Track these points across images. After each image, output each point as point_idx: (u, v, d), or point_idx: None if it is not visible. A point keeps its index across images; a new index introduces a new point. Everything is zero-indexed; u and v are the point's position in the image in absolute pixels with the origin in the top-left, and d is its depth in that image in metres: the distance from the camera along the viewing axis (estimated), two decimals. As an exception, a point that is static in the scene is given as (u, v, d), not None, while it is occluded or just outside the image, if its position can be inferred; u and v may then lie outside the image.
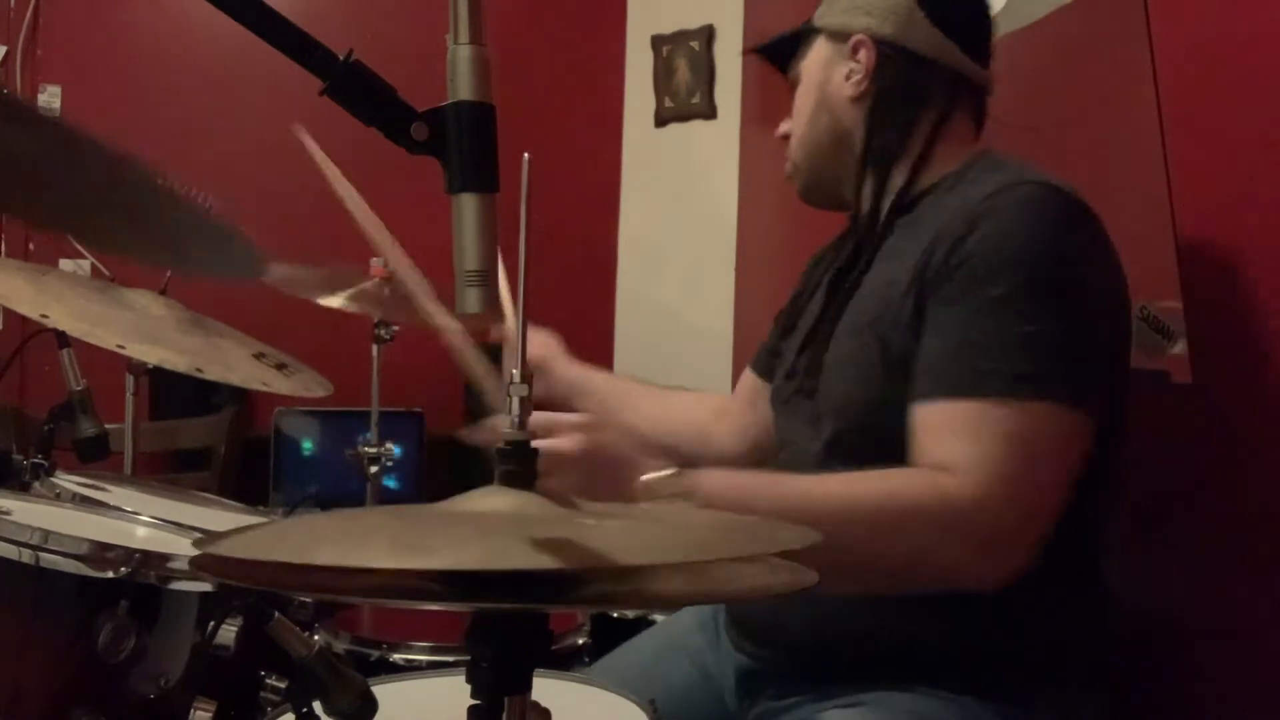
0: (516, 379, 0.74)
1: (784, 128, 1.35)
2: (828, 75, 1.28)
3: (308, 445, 3.23)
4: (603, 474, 1.04)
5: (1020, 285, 1.08)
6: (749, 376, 1.57)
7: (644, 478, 1.05)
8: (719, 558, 0.75)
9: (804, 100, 1.31)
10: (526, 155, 0.74)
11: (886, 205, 1.24)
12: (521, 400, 0.74)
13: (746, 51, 1.43)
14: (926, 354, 1.11)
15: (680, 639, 1.38)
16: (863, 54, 1.25)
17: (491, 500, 0.72)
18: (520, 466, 0.73)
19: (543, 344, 1.55)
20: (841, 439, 1.18)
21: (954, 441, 1.07)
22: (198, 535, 1.28)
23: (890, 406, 1.12)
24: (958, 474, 1.05)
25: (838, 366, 1.20)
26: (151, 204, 0.78)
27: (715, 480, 1.08)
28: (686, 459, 1.41)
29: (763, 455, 1.48)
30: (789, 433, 1.31)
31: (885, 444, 1.11)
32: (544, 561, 0.61)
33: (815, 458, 1.20)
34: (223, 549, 0.67)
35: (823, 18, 1.29)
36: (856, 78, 1.25)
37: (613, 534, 0.68)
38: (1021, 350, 1.07)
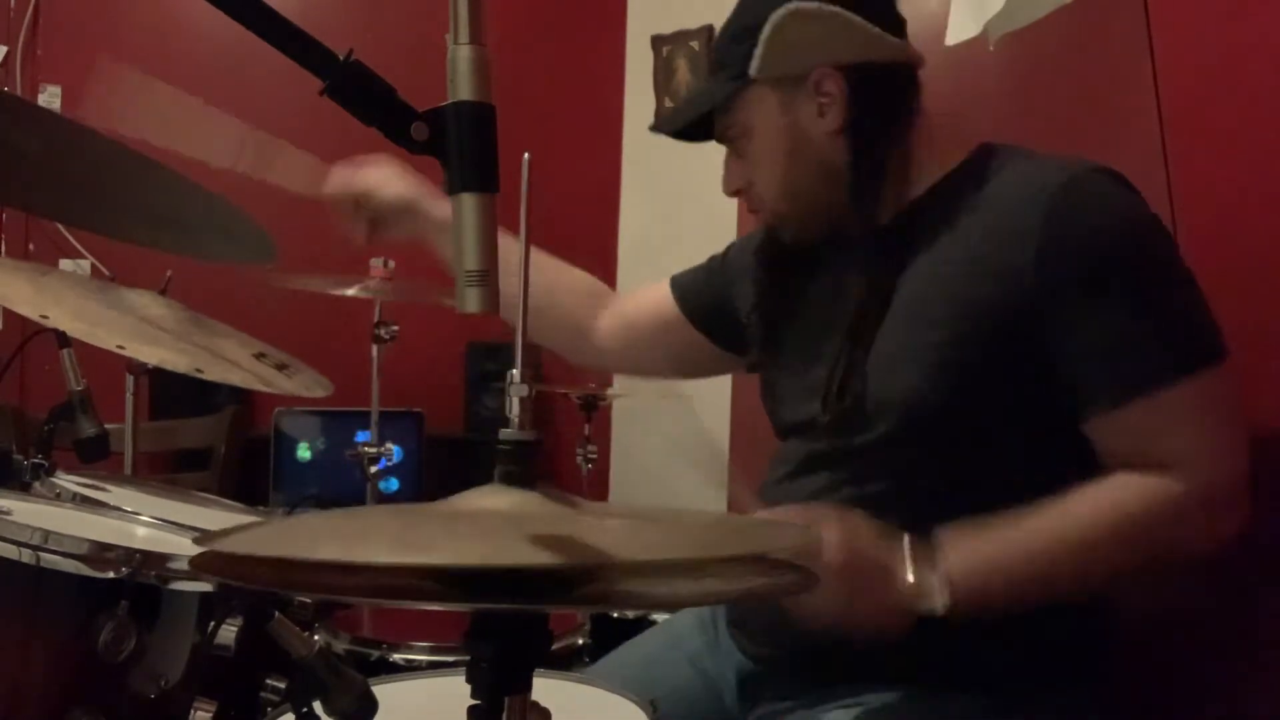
0: (516, 379, 0.74)
1: (734, 184, 1.31)
2: (792, 119, 1.23)
3: (307, 446, 3.23)
4: (867, 589, 1.08)
5: (1142, 266, 1.12)
6: (665, 296, 1.56)
7: (905, 582, 1.08)
8: (718, 556, 0.75)
9: (767, 150, 1.26)
10: (526, 155, 0.74)
11: (889, 212, 1.23)
12: (521, 400, 0.74)
13: (655, 130, 1.36)
14: (1084, 361, 1.11)
15: (680, 640, 1.38)
16: (829, 85, 1.21)
17: (491, 499, 0.72)
18: (520, 466, 0.73)
19: (398, 177, 1.47)
20: (897, 437, 1.17)
21: (1158, 438, 1.10)
22: (198, 535, 1.28)
23: (957, 406, 1.14)
24: (1174, 471, 1.09)
25: (893, 365, 1.17)
26: (158, 191, 0.78)
27: (962, 570, 1.08)
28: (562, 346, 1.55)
29: (637, 364, 1.64)
30: (796, 424, 1.31)
31: (946, 440, 1.15)
32: (544, 558, 0.61)
33: (861, 453, 1.20)
34: (224, 546, 0.67)
35: (764, 69, 1.22)
36: (832, 111, 1.22)
37: (613, 533, 0.69)
38: (1171, 329, 1.11)
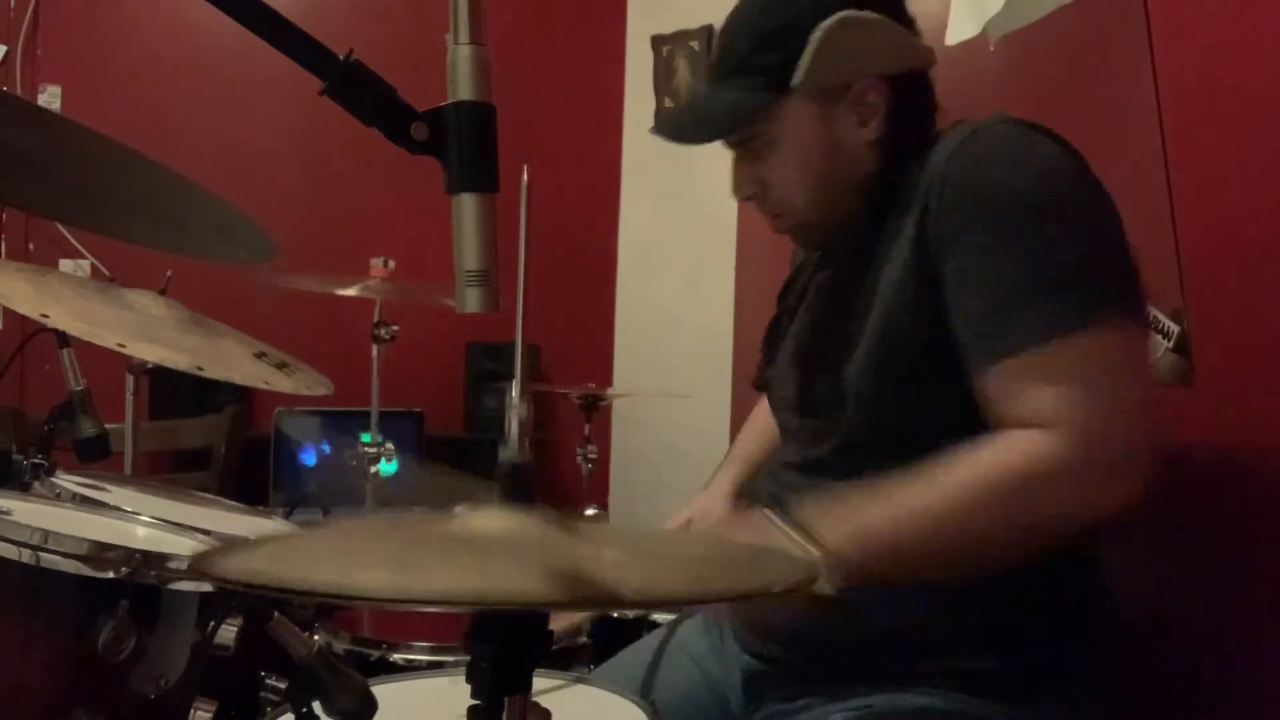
0: (515, 400, 0.74)
1: (747, 190, 1.27)
2: (830, 129, 1.20)
3: (308, 446, 3.23)
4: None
5: (1030, 214, 1.07)
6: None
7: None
8: (722, 594, 0.75)
9: (797, 159, 1.22)
10: (526, 169, 0.74)
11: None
12: (521, 422, 0.74)
13: (658, 133, 1.30)
14: (967, 318, 1.08)
15: (683, 641, 1.38)
16: (873, 96, 1.20)
17: (490, 521, 0.73)
18: (519, 489, 0.73)
19: (703, 512, 1.46)
20: (858, 432, 1.16)
21: (1030, 397, 1.05)
22: (198, 535, 1.28)
23: (904, 398, 1.13)
24: (1045, 429, 1.04)
25: (847, 356, 1.17)
26: (158, 191, 0.78)
27: (840, 537, 1.03)
28: None
29: None
30: (784, 430, 1.32)
31: (899, 436, 1.12)
32: (539, 594, 0.61)
33: (825, 454, 1.20)
34: (221, 569, 0.67)
35: (810, 79, 1.18)
36: (874, 122, 1.20)
37: (610, 566, 0.69)
38: (1055, 284, 1.05)
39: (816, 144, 1.21)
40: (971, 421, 1.09)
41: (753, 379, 1.48)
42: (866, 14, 1.18)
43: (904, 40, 1.21)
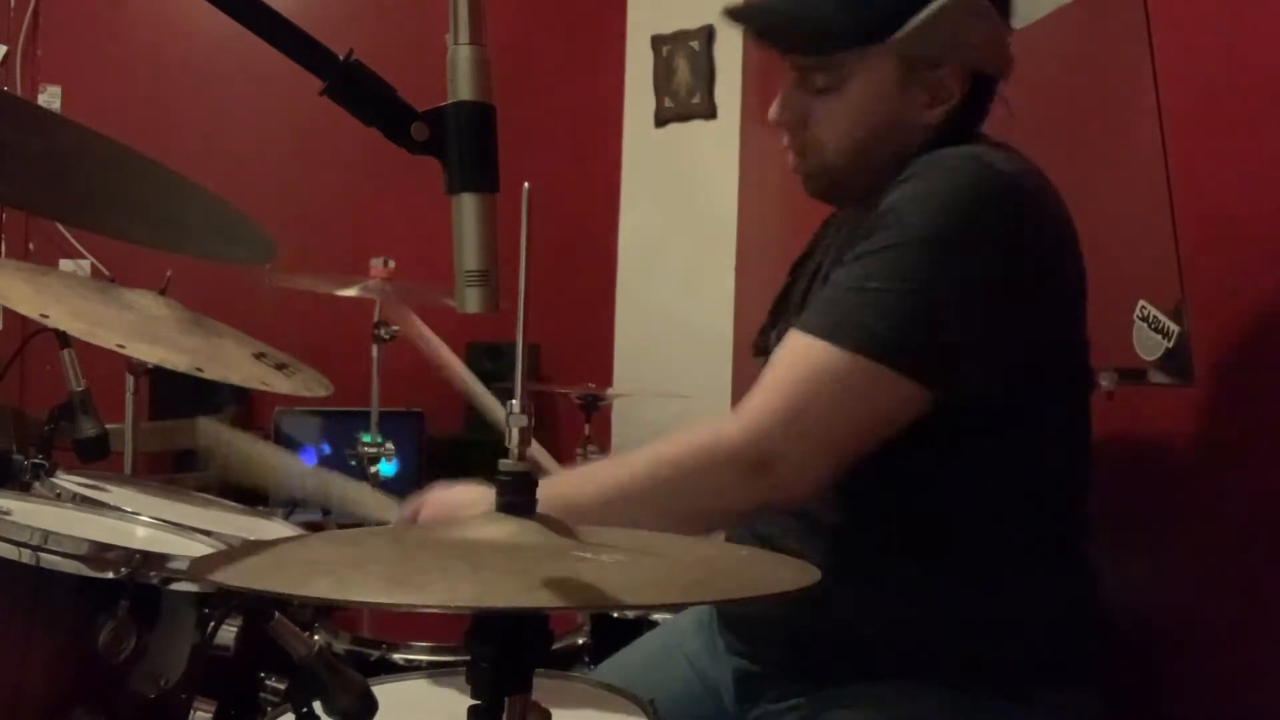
0: (515, 409, 0.74)
1: (789, 116, 1.23)
2: (900, 98, 1.18)
3: (308, 446, 3.23)
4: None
5: (903, 242, 1.07)
6: None
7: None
8: (717, 598, 0.75)
9: (855, 112, 1.20)
10: (526, 185, 0.73)
11: None
12: (521, 431, 0.74)
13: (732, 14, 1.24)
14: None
15: (679, 641, 1.38)
16: (952, 82, 1.18)
17: (490, 529, 0.72)
18: (518, 496, 0.73)
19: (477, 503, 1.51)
20: None
21: (759, 386, 1.10)
22: (198, 535, 1.28)
23: None
24: (737, 419, 1.09)
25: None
26: (158, 191, 0.79)
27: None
28: None
29: None
30: None
31: None
32: (536, 601, 0.61)
33: None
34: (218, 577, 0.67)
35: (909, 44, 1.15)
36: (942, 108, 1.18)
37: (609, 571, 0.69)
38: (868, 300, 1.07)
39: (880, 106, 1.19)
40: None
41: (753, 343, 1.44)
42: (988, 4, 1.17)
43: (1003, 41, 1.20)
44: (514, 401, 0.74)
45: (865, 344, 1.06)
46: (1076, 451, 1.20)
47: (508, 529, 0.72)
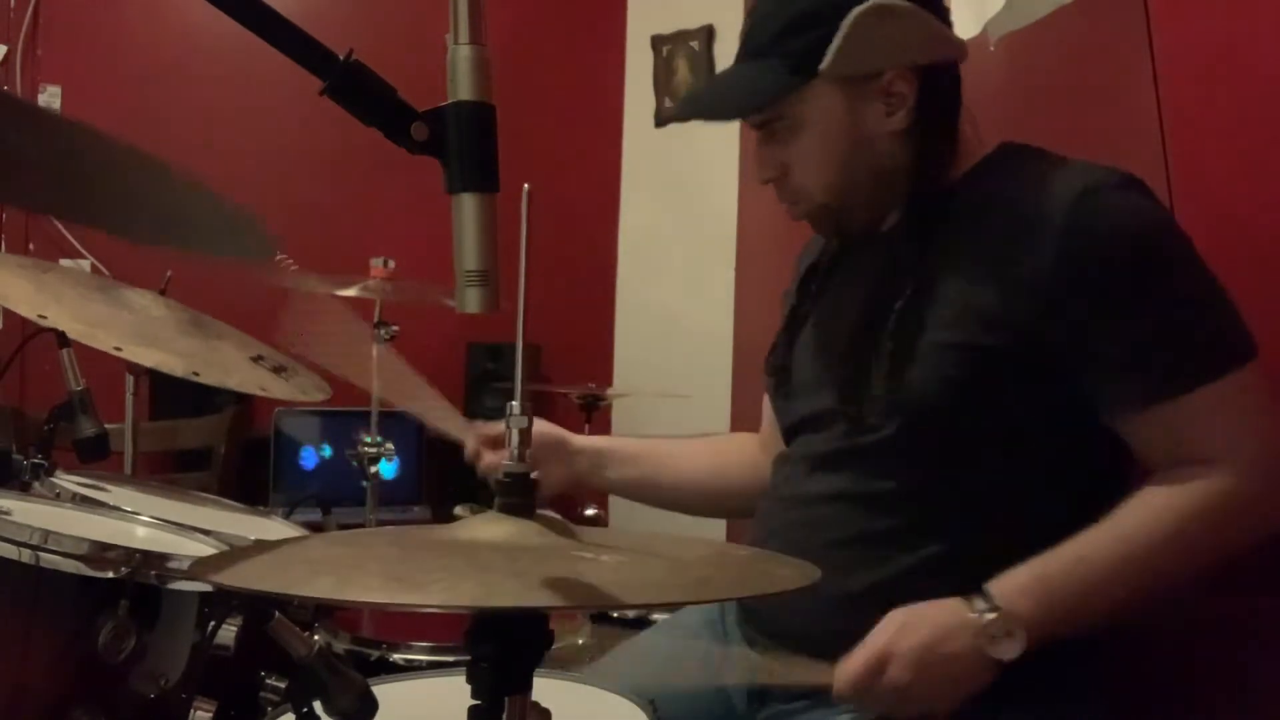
0: (515, 411, 0.74)
1: (770, 172, 1.26)
2: (856, 118, 1.20)
3: (308, 446, 3.23)
4: (940, 680, 1.08)
5: (1165, 270, 1.12)
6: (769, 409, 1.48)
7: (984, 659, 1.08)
8: (717, 598, 0.75)
9: (821, 146, 1.22)
10: (526, 185, 0.73)
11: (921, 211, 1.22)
12: (521, 433, 0.74)
13: (681, 116, 1.32)
14: (1108, 366, 1.11)
15: (688, 639, 1.37)
16: (901, 86, 1.19)
17: (490, 529, 0.72)
18: (519, 497, 0.73)
19: (548, 426, 1.49)
20: (903, 437, 1.16)
21: (1196, 436, 1.10)
22: (198, 535, 1.28)
23: (964, 409, 1.14)
24: (1220, 465, 1.09)
25: (904, 364, 1.16)
26: (159, 190, 0.78)
27: (1022, 605, 1.08)
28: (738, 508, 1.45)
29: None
30: (808, 417, 1.30)
31: (952, 443, 1.15)
32: (536, 600, 0.61)
33: (868, 452, 1.19)
34: (220, 578, 0.67)
35: (838, 66, 1.17)
36: (900, 113, 1.20)
37: (609, 571, 0.69)
38: (1195, 332, 1.11)
39: (841, 131, 1.21)
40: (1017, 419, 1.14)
41: (766, 366, 1.43)
42: (900, 2, 1.17)
43: (936, 31, 1.20)
44: (514, 403, 0.74)
45: (1228, 360, 1.10)
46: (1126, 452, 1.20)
47: (508, 529, 0.72)
